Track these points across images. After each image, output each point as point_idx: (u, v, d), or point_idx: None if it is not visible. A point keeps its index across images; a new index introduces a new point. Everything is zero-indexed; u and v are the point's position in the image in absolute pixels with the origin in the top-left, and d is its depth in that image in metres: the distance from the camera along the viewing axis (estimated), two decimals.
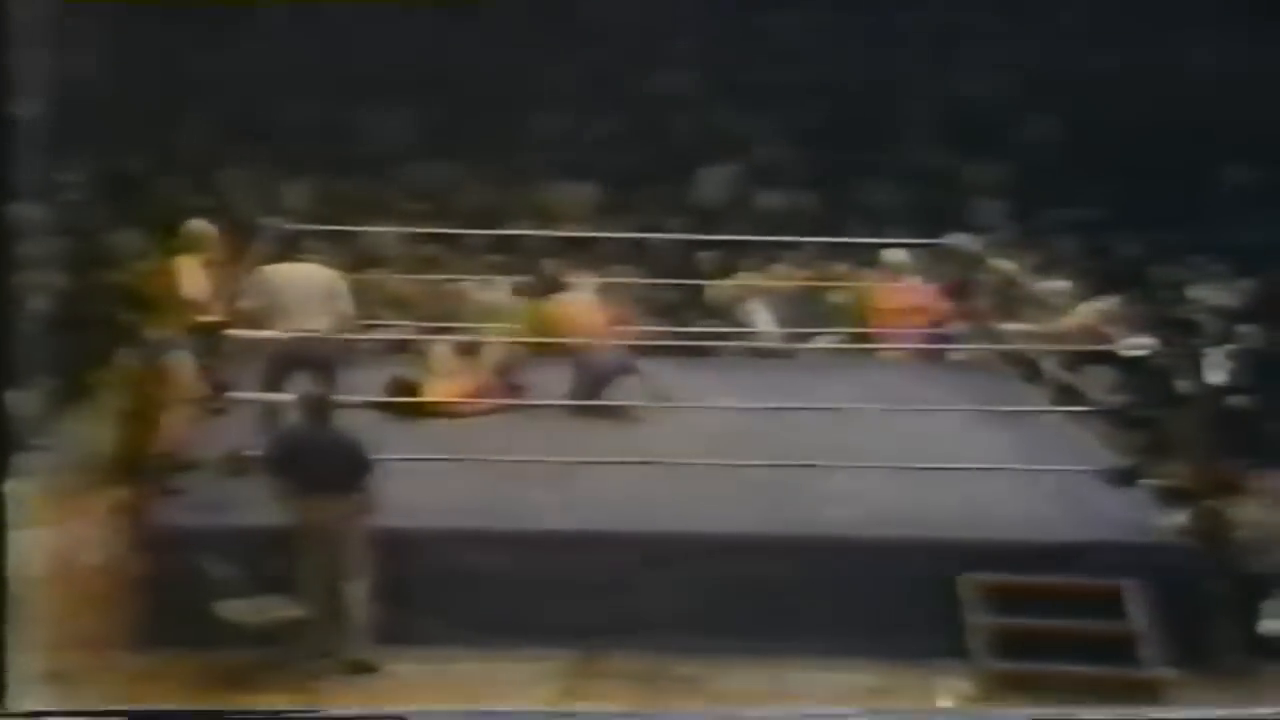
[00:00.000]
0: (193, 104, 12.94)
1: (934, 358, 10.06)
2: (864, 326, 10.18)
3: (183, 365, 8.18)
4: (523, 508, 7.53)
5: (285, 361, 7.76)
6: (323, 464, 7.04)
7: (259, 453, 7.36)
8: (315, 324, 7.76)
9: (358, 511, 7.00)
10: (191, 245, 9.08)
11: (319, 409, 7.23)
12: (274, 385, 7.77)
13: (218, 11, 12.18)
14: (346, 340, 8.07)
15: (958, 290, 10.20)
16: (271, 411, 7.71)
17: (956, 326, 10.14)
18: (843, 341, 10.25)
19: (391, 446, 7.46)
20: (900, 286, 10.16)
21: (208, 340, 8.22)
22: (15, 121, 6.07)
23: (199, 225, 9.18)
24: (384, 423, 8.30)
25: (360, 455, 7.09)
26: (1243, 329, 9.80)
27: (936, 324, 10.12)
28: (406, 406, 8.56)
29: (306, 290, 7.84)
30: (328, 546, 6.96)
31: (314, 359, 7.72)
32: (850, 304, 10.37)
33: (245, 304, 7.97)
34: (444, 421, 8.58)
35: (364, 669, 6.89)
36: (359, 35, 12.74)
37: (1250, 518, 7.51)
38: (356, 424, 7.51)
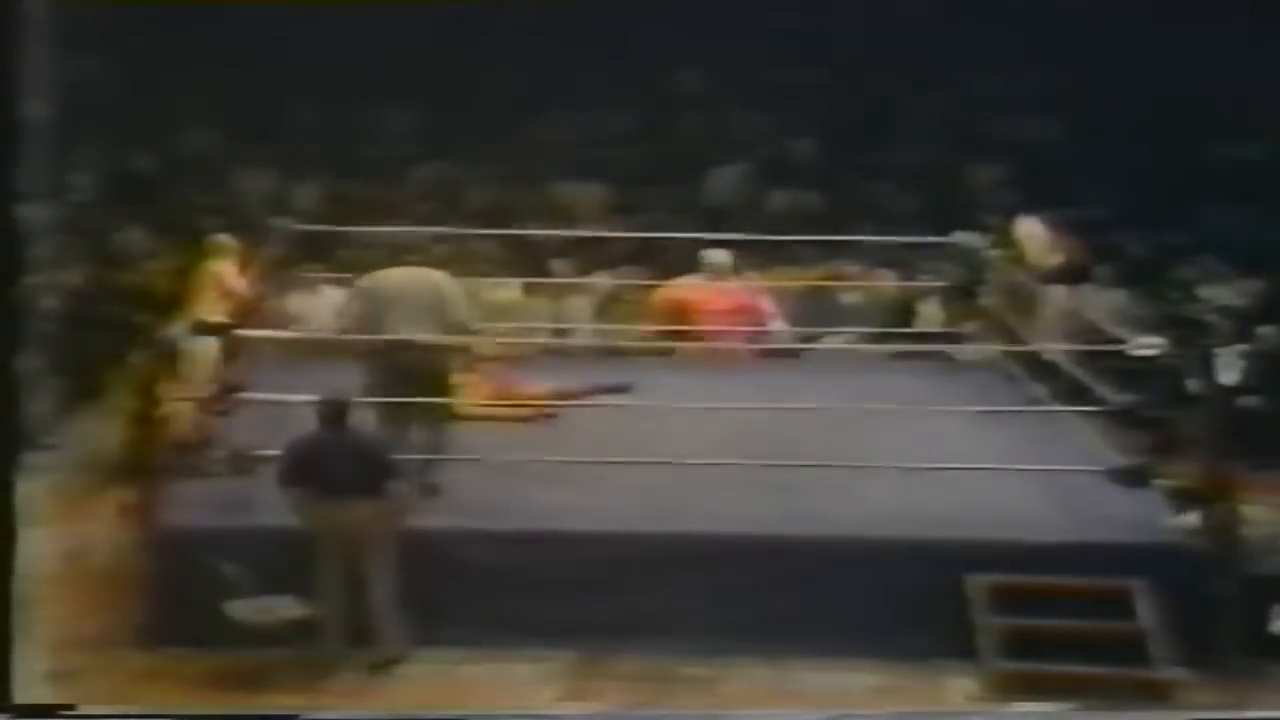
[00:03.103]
0: (199, 104, 12.98)
1: (759, 357, 10.06)
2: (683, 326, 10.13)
3: (204, 353, 8.15)
4: (528, 507, 7.53)
5: (391, 367, 7.62)
6: (345, 469, 6.98)
7: (270, 455, 7.36)
8: (422, 330, 7.61)
9: (383, 516, 6.96)
10: (216, 255, 9.12)
11: (338, 414, 7.16)
12: (383, 391, 7.62)
13: (222, 11, 12.20)
14: (456, 346, 7.86)
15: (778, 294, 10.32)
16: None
17: (781, 327, 10.18)
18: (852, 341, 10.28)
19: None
20: (721, 288, 10.12)
21: (217, 341, 8.23)
22: (24, 123, 6.07)
23: (223, 238, 9.23)
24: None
25: (384, 460, 7.05)
26: (1255, 329, 9.77)
27: (757, 324, 10.11)
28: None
29: (413, 296, 7.67)
30: (349, 551, 6.92)
31: (420, 365, 7.59)
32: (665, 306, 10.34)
33: (352, 310, 7.85)
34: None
35: (393, 663, 6.90)
36: (367, 35, 12.75)
37: (1260, 518, 7.48)
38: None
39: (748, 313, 10.13)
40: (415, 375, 7.59)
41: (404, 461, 7.13)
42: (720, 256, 10.17)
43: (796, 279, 10.75)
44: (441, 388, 7.69)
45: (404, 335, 7.55)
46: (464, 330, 7.81)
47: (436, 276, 7.84)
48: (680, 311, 10.12)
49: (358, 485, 6.95)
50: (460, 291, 7.85)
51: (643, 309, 10.48)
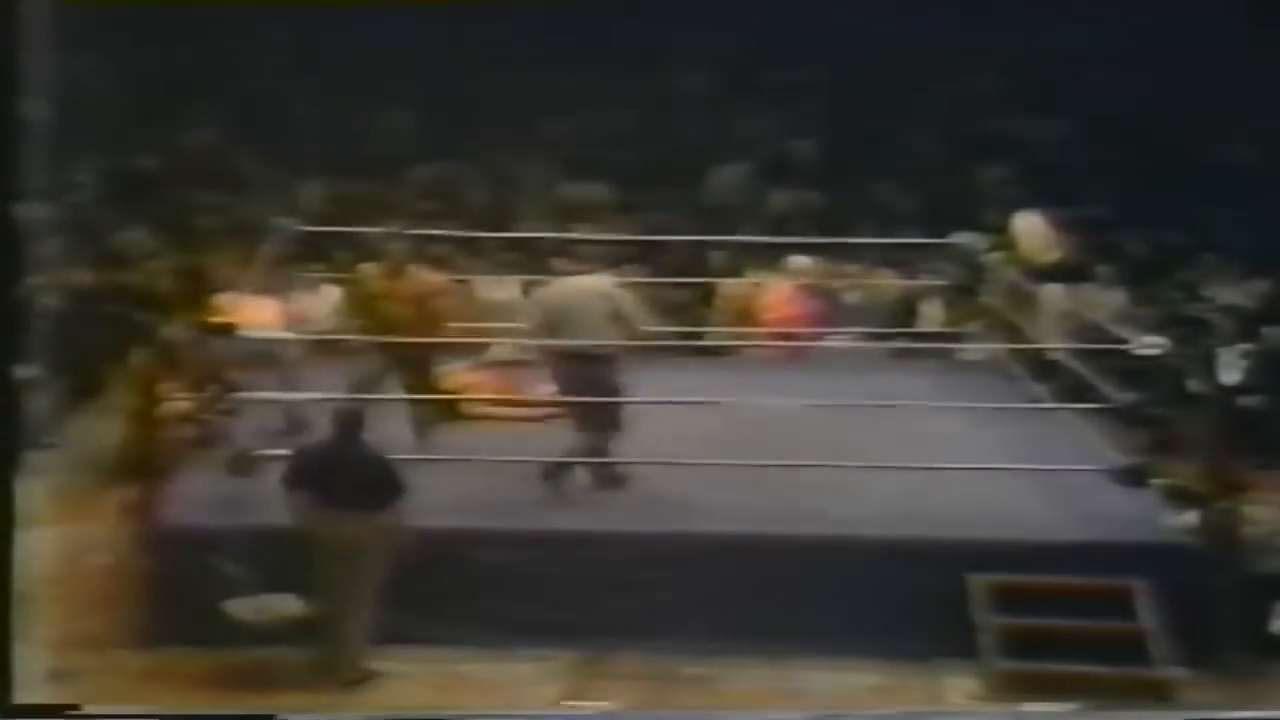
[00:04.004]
0: (199, 104, 12.98)
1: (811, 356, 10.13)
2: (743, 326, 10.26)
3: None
4: (529, 507, 7.52)
5: (569, 373, 7.68)
6: (351, 481, 6.90)
7: (270, 455, 7.35)
8: (599, 339, 7.64)
9: (381, 531, 6.88)
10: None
11: (352, 423, 7.10)
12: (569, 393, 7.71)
13: (223, 11, 12.20)
14: (626, 352, 7.85)
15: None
16: None
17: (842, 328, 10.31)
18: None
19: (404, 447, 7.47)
20: (791, 292, 10.21)
21: (217, 340, 8.22)
22: (24, 122, 6.07)
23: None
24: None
25: (391, 475, 6.96)
26: (1257, 328, 9.77)
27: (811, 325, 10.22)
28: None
29: (587, 304, 7.72)
30: (347, 561, 6.86)
31: (594, 372, 7.64)
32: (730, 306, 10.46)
33: (528, 319, 7.93)
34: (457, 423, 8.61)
35: (362, 679, 6.86)
36: (367, 35, 12.75)
37: (1260, 518, 7.48)
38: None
39: (815, 316, 10.24)
40: (593, 382, 7.63)
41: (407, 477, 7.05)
42: (803, 261, 10.21)
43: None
44: (614, 393, 7.70)
45: (583, 343, 7.61)
46: (638, 336, 7.85)
47: (611, 285, 7.93)
48: (757, 311, 10.20)
49: (361, 498, 6.89)
50: (634, 299, 7.93)
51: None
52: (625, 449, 7.76)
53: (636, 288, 8.27)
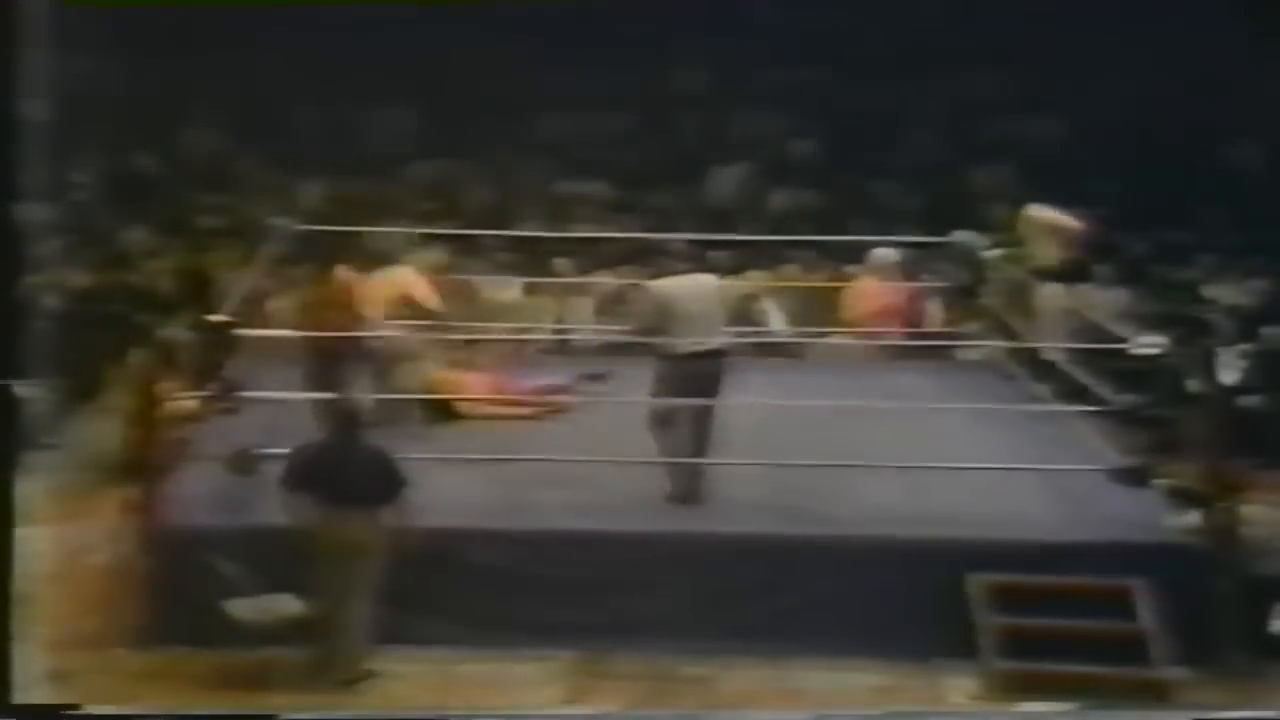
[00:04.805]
0: (200, 104, 12.99)
1: (913, 356, 10.04)
2: (838, 326, 10.23)
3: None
4: (529, 507, 7.53)
5: (676, 373, 7.61)
6: (352, 480, 6.88)
7: (271, 454, 7.35)
8: (713, 337, 7.61)
9: (384, 530, 6.85)
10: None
11: (349, 420, 7.09)
12: (669, 395, 7.65)
13: (222, 11, 12.21)
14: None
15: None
16: None
17: (938, 327, 10.23)
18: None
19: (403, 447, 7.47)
20: (880, 287, 10.17)
21: (217, 338, 8.21)
22: (23, 122, 6.08)
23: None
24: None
25: (392, 472, 6.92)
26: (1257, 329, 9.77)
27: (910, 324, 10.17)
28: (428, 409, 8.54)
29: (702, 303, 7.67)
30: (347, 561, 6.84)
31: (706, 371, 7.60)
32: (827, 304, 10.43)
33: (638, 319, 7.90)
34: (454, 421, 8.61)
35: (362, 679, 6.86)
36: (367, 35, 12.76)
37: (1260, 518, 7.48)
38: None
39: (904, 312, 10.18)
40: (704, 382, 7.60)
41: (409, 474, 7.03)
42: (890, 255, 10.20)
43: (797, 279, 10.75)
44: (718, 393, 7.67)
45: (697, 342, 7.56)
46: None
47: (717, 281, 7.90)
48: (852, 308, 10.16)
49: (361, 497, 6.88)
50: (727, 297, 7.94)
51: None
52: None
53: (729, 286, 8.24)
